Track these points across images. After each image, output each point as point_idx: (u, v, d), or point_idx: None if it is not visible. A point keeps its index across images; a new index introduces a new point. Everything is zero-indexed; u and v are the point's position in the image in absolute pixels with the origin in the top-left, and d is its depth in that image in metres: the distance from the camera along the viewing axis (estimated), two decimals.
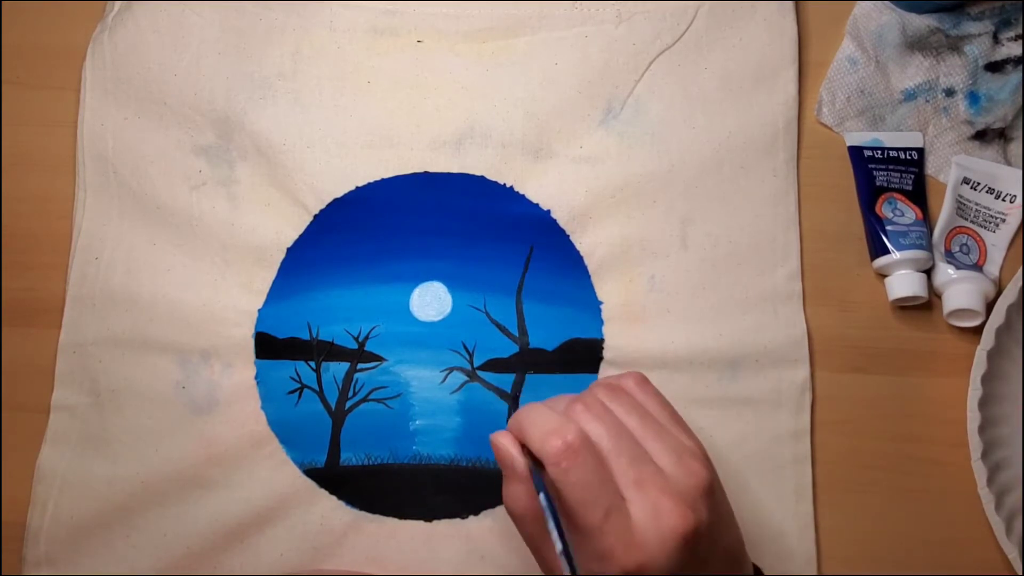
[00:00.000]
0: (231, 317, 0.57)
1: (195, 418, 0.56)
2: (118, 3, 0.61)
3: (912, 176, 0.59)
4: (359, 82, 0.60)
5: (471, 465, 0.55)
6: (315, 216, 0.58)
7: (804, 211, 0.59)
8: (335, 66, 0.60)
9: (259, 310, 0.57)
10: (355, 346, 0.57)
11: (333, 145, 0.59)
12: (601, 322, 0.57)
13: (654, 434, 0.41)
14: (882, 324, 0.58)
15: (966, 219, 0.59)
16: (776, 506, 0.55)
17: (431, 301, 0.57)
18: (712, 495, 0.40)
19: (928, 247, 0.57)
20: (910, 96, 0.60)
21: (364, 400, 0.56)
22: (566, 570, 0.36)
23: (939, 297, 0.58)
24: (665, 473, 0.39)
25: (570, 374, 0.56)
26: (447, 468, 0.55)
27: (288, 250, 0.58)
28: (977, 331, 0.56)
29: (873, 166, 0.59)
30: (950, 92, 0.60)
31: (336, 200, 0.58)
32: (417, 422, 0.56)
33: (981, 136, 0.60)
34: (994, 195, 0.59)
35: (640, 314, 0.57)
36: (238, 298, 0.57)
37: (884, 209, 0.58)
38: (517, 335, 0.57)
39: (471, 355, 0.56)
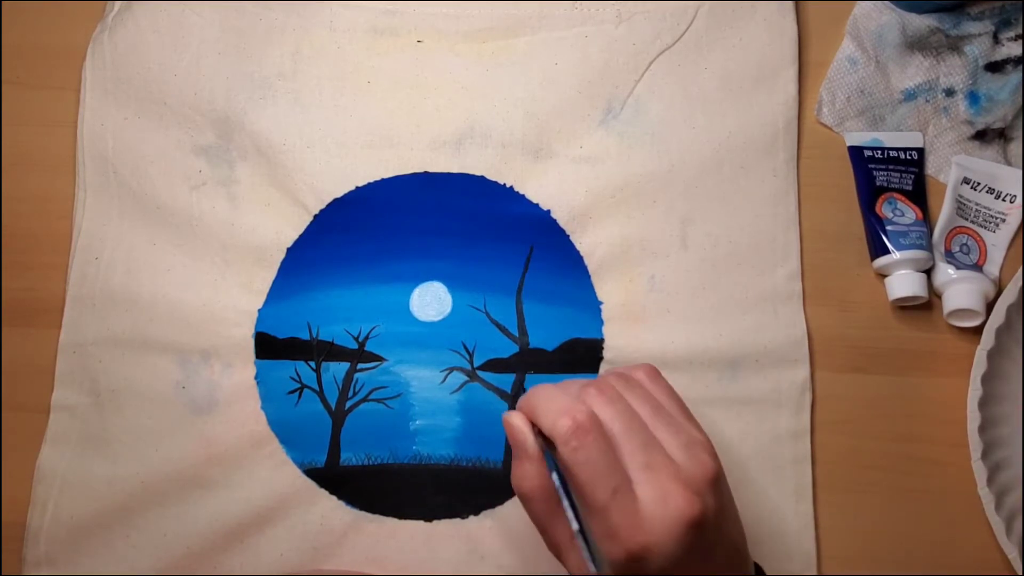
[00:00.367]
0: (231, 317, 0.57)
1: (195, 418, 0.56)
2: (118, 3, 0.61)
3: (912, 176, 0.59)
4: (359, 82, 0.60)
5: (471, 465, 0.55)
6: (315, 216, 0.58)
7: (804, 211, 0.59)
8: (335, 66, 0.60)
9: (259, 310, 0.57)
10: (355, 346, 0.57)
11: (333, 145, 0.59)
12: (601, 322, 0.57)
13: (664, 423, 0.41)
14: (882, 324, 0.58)
15: (966, 219, 0.59)
16: (776, 506, 0.55)
17: (431, 301, 0.57)
18: (719, 487, 0.40)
19: (928, 247, 0.57)
20: (910, 96, 0.61)
21: (364, 400, 0.56)
22: (583, 551, 0.36)
23: (939, 297, 0.58)
24: (674, 461, 0.39)
25: (570, 374, 0.56)
26: (447, 468, 0.55)
27: (288, 250, 0.58)
28: (977, 331, 0.56)
29: (873, 166, 0.59)
30: (950, 92, 0.60)
31: (336, 200, 0.58)
32: (417, 422, 0.56)
33: (981, 136, 0.60)
34: (994, 195, 0.59)
35: (640, 314, 0.57)
36: (238, 298, 0.57)
37: (884, 209, 0.58)
38: (517, 335, 0.57)
39: (471, 355, 0.56)
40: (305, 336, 0.57)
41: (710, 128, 0.59)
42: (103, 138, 0.59)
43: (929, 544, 0.55)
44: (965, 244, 0.58)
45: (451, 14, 0.61)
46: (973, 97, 0.60)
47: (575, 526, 0.37)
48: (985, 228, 0.59)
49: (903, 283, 0.56)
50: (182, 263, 0.58)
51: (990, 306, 0.56)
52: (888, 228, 0.57)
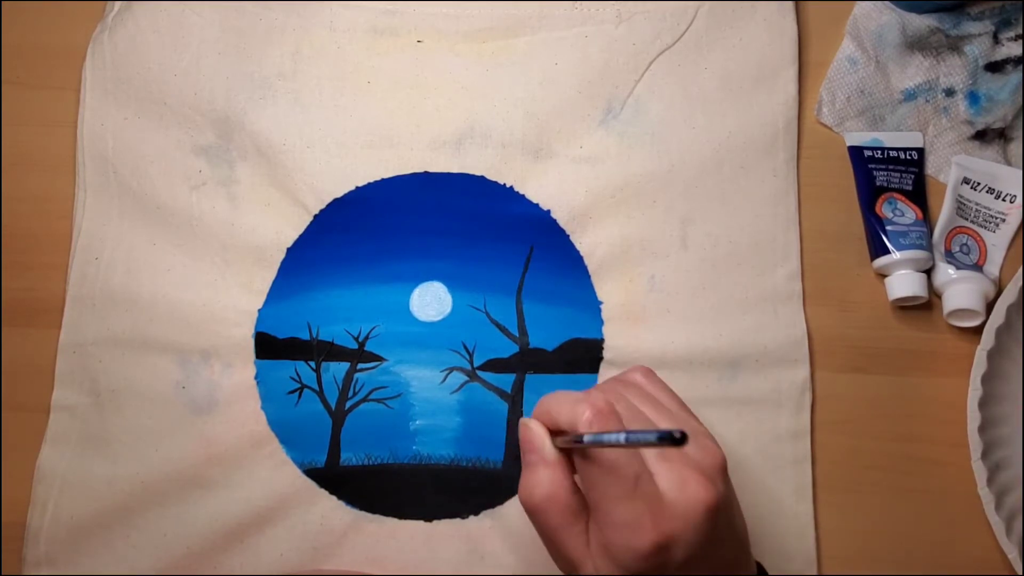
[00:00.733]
0: (231, 317, 0.57)
1: (195, 418, 0.56)
2: (118, 3, 0.61)
3: (912, 176, 0.59)
4: (359, 82, 0.60)
5: (471, 465, 0.55)
6: (315, 216, 0.58)
7: (804, 211, 0.59)
8: (335, 66, 0.60)
9: (259, 310, 0.57)
10: (355, 346, 0.57)
11: (333, 145, 0.59)
12: (601, 322, 0.57)
13: (667, 419, 0.42)
14: (882, 324, 0.58)
15: (966, 219, 0.59)
16: (776, 506, 0.55)
17: (431, 301, 0.57)
18: (727, 475, 0.41)
19: (928, 247, 0.57)
20: (910, 96, 0.60)
21: (364, 400, 0.56)
22: (649, 438, 0.35)
23: (939, 297, 0.58)
24: (684, 451, 0.40)
25: (570, 374, 0.56)
26: (447, 468, 0.55)
27: (288, 250, 0.58)
28: (977, 331, 0.56)
29: (873, 166, 0.59)
30: (950, 92, 0.60)
31: (336, 200, 0.58)
32: (417, 422, 0.56)
33: (981, 136, 0.60)
34: (994, 195, 0.59)
35: (640, 314, 0.57)
36: (238, 298, 0.57)
37: (884, 209, 0.58)
38: (517, 335, 0.57)
39: (471, 355, 0.56)
40: (305, 336, 0.57)
41: (710, 128, 0.59)
42: (103, 138, 0.59)
43: (929, 544, 0.55)
44: (965, 244, 0.58)
45: (451, 14, 0.61)
46: (973, 97, 0.60)
47: (623, 438, 0.36)
48: (985, 228, 0.59)
49: (903, 283, 0.56)
50: (182, 263, 0.58)
51: (990, 306, 0.56)
52: (888, 228, 0.57)
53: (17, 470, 0.56)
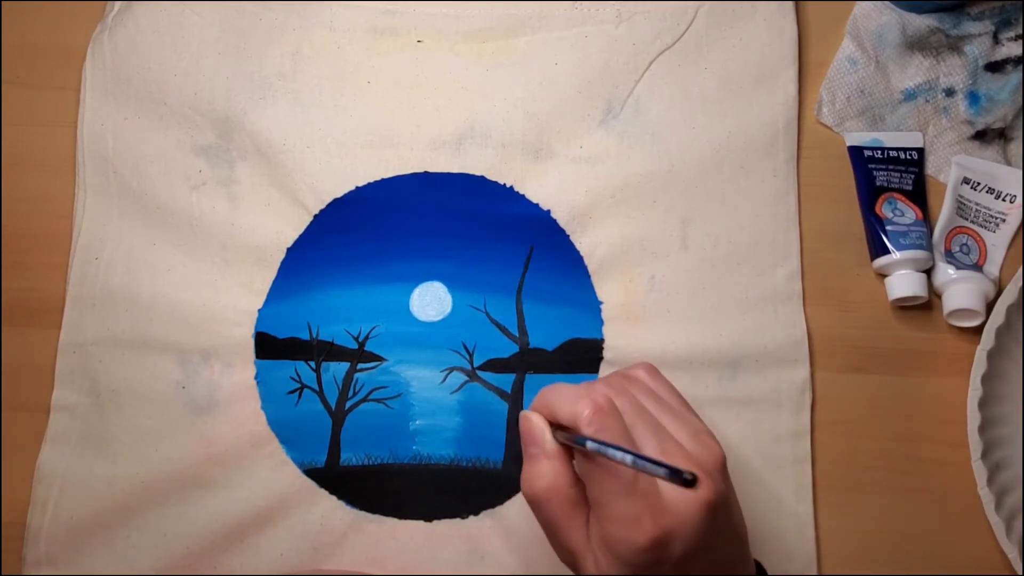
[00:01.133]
0: (231, 317, 0.57)
1: (195, 418, 0.56)
2: (118, 3, 0.61)
3: (912, 176, 0.59)
4: (359, 82, 0.60)
5: (471, 465, 0.55)
6: (315, 216, 0.58)
7: (804, 211, 0.59)
8: (335, 66, 0.60)
9: (259, 310, 0.57)
10: (355, 346, 0.57)
11: (333, 145, 0.59)
12: (601, 322, 0.57)
13: (670, 415, 0.42)
14: (882, 324, 0.58)
15: (966, 219, 0.59)
16: (776, 506, 0.55)
17: (431, 301, 0.57)
18: (726, 472, 0.41)
19: (928, 247, 0.57)
20: (910, 96, 0.61)
21: (364, 400, 0.56)
22: (658, 471, 0.35)
23: (939, 297, 0.58)
24: (684, 447, 0.40)
25: (570, 374, 0.56)
26: (447, 468, 0.55)
27: (288, 250, 0.58)
28: (977, 331, 0.56)
29: (873, 166, 0.59)
30: (950, 92, 0.60)
31: (336, 200, 0.58)
32: (417, 422, 0.56)
33: (981, 136, 0.60)
34: (994, 195, 0.59)
35: (640, 314, 0.57)
36: (238, 298, 0.57)
37: (884, 209, 0.58)
38: (517, 335, 0.57)
39: (471, 355, 0.56)
40: (305, 336, 0.57)
41: (710, 128, 0.59)
42: (103, 138, 0.59)
43: (929, 544, 0.55)
44: (965, 244, 0.58)
45: (451, 14, 0.61)
46: (973, 97, 0.60)
47: (629, 459, 0.36)
48: (985, 228, 0.59)
49: (903, 283, 0.56)
50: (182, 263, 0.58)
51: (990, 306, 0.56)
52: (888, 228, 0.57)
53: (17, 470, 0.56)
